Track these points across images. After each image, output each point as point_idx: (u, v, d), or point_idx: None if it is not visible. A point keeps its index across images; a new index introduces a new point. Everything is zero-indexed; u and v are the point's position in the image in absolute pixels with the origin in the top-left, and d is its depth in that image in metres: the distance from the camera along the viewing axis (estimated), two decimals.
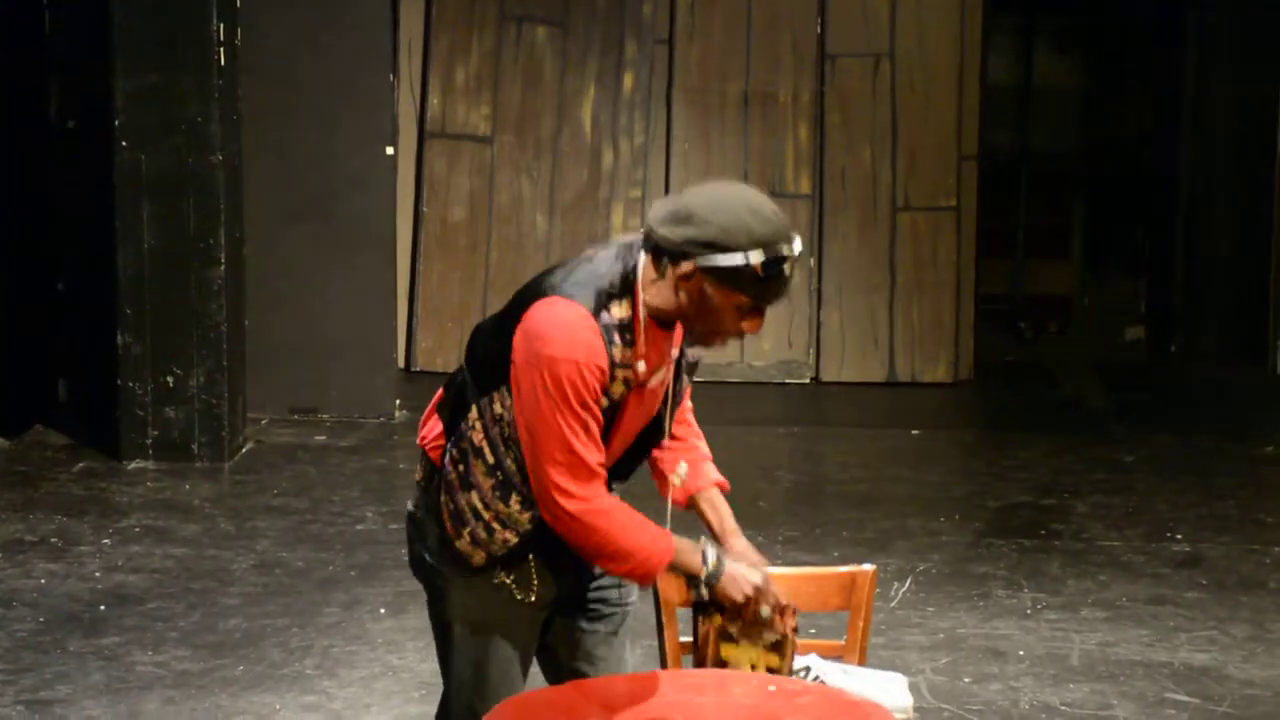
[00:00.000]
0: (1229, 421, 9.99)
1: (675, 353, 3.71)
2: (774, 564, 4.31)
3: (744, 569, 3.71)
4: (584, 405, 3.53)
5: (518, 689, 3.78)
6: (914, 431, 9.79)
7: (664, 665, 4.06)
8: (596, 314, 3.53)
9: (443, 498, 3.72)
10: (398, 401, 9.78)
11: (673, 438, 3.88)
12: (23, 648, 6.27)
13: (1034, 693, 5.94)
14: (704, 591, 3.69)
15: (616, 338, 3.55)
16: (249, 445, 9.14)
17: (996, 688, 5.98)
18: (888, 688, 4.20)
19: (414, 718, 5.67)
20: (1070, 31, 13.02)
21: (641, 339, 3.57)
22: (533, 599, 3.75)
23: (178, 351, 8.71)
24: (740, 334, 3.58)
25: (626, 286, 3.57)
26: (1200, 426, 9.82)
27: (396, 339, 10.21)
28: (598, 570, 3.84)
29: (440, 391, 3.81)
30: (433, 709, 5.51)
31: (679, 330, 3.67)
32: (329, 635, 6.43)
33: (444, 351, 10.73)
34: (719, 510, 3.90)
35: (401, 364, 10.69)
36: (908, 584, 7.05)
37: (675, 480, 3.88)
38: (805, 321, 10.94)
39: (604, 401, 3.58)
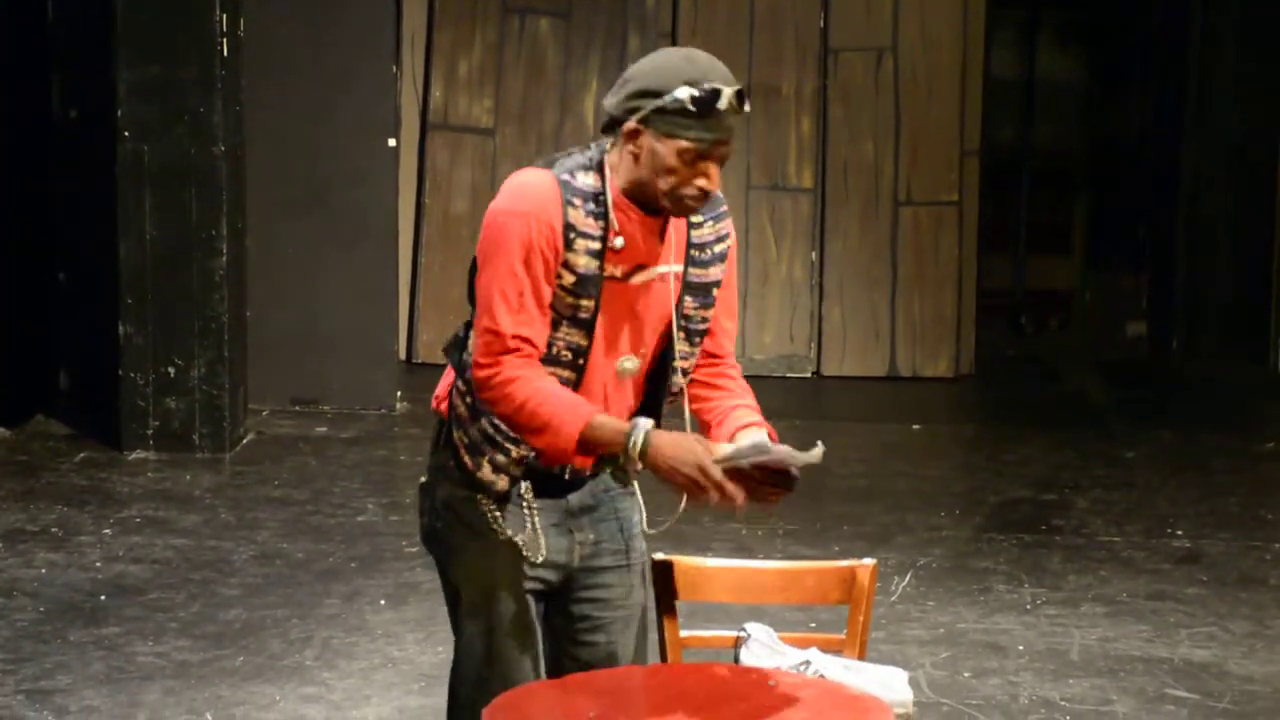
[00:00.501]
0: (1230, 418, 10.00)
1: (679, 268, 3.64)
2: (774, 558, 4.32)
3: (684, 449, 3.44)
4: (526, 265, 3.52)
5: (528, 659, 3.72)
6: (915, 426, 9.79)
7: (664, 659, 4.06)
8: (559, 175, 3.55)
9: (456, 435, 3.68)
10: (399, 393, 9.78)
11: (708, 385, 3.78)
12: (23, 637, 6.27)
13: (1034, 688, 5.95)
14: (631, 466, 3.49)
15: (578, 201, 3.53)
16: (250, 436, 9.15)
17: (996, 682, 5.99)
18: (889, 682, 4.20)
19: (414, 709, 5.67)
20: (1073, 27, 13.01)
21: (611, 211, 3.55)
22: (541, 558, 3.68)
23: (179, 342, 8.71)
24: (700, 192, 3.52)
25: (596, 164, 3.60)
26: (1201, 422, 9.83)
27: (398, 331, 10.21)
28: (604, 560, 3.78)
29: None
30: (432, 701, 5.53)
31: (678, 238, 3.63)
32: (329, 626, 6.43)
33: (445, 345, 10.72)
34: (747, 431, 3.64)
35: (403, 356, 10.69)
36: (908, 578, 7.06)
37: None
38: (806, 315, 10.95)
39: (568, 277, 3.54)
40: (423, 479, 3.83)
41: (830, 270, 10.98)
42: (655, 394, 3.73)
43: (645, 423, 3.50)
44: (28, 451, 8.89)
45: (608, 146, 3.60)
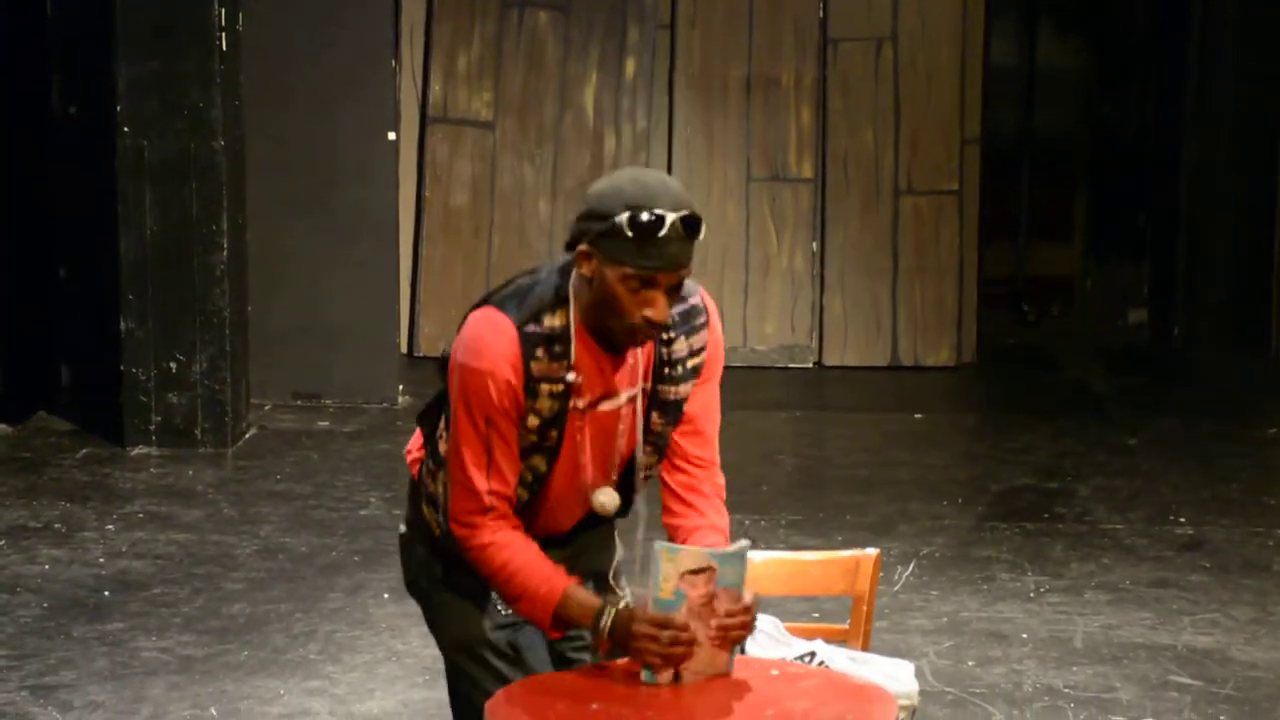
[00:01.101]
0: (1231, 404, 9.98)
1: (639, 388, 3.56)
2: (777, 548, 4.32)
3: (640, 622, 3.42)
4: (489, 421, 3.47)
5: None
6: (917, 415, 9.79)
7: None
8: (523, 324, 3.46)
9: (427, 511, 3.69)
10: (400, 387, 9.78)
11: (682, 499, 3.65)
12: (27, 633, 6.28)
13: (1037, 675, 5.95)
14: (601, 645, 3.50)
15: (541, 350, 3.46)
16: (252, 431, 9.15)
17: (1000, 671, 5.99)
18: (894, 674, 4.21)
19: (418, 702, 5.67)
20: (1073, 15, 12.99)
21: (573, 348, 3.47)
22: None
23: (181, 337, 8.71)
24: (647, 323, 3.41)
25: (561, 297, 3.49)
26: (1203, 409, 9.82)
27: (399, 324, 10.21)
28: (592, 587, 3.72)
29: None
30: (436, 694, 5.53)
31: (646, 355, 3.55)
32: (332, 620, 6.44)
33: (446, 337, 10.67)
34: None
35: (404, 349, 10.69)
36: (911, 568, 7.06)
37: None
38: (808, 306, 10.94)
39: (533, 421, 3.50)
40: (401, 530, 3.82)
41: (831, 260, 10.98)
42: (624, 504, 3.68)
43: (612, 613, 3.47)
44: (30, 448, 8.89)
45: (572, 270, 3.50)
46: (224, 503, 7.94)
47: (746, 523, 7.49)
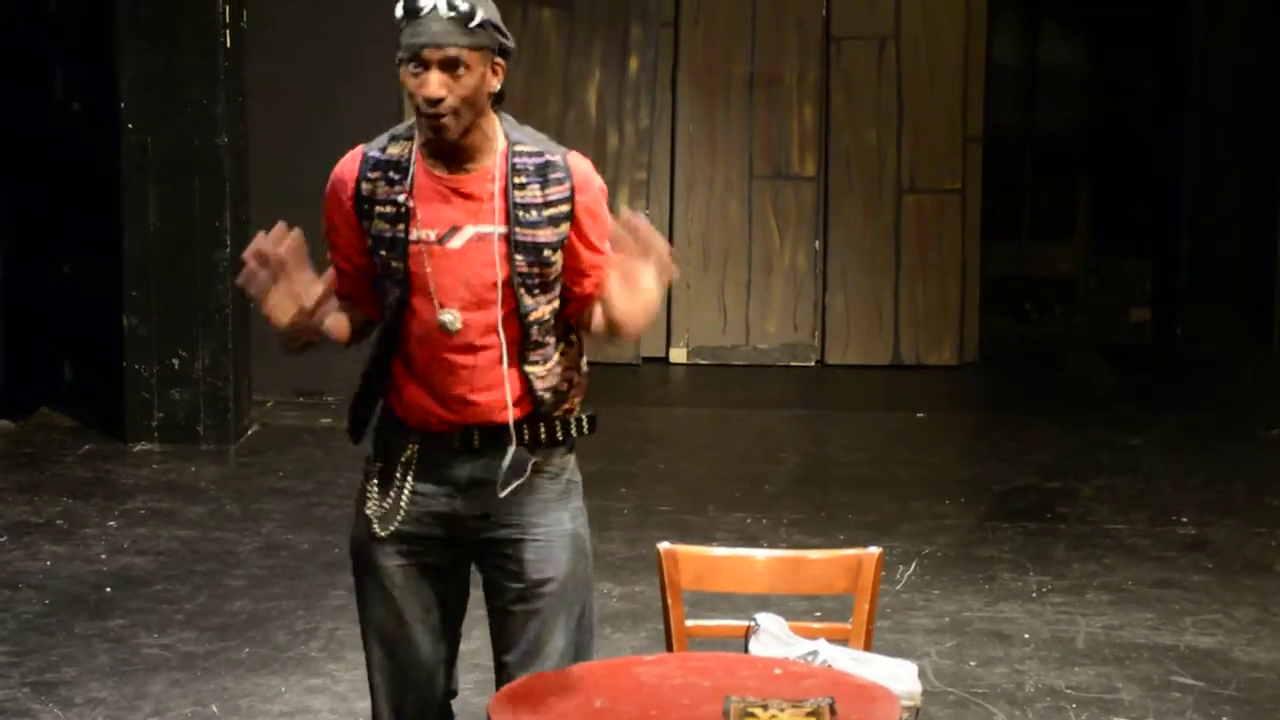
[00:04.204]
0: (1235, 403, 9.99)
1: (495, 231, 3.68)
2: (779, 547, 4.31)
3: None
4: (329, 231, 3.86)
5: (390, 634, 4.00)
6: (919, 414, 9.78)
7: (669, 648, 4.07)
8: (370, 149, 3.78)
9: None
10: None
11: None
12: (29, 630, 6.28)
13: (1039, 676, 5.95)
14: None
15: (375, 174, 3.73)
16: (254, 427, 9.15)
17: (1002, 671, 5.99)
18: (897, 674, 4.20)
19: None
20: (1075, 11, 12.99)
21: (412, 175, 3.69)
22: (390, 530, 3.96)
23: (183, 334, 8.71)
24: (426, 100, 3.58)
25: (410, 131, 3.76)
26: (1206, 408, 9.82)
27: None
28: (499, 533, 3.85)
29: None
30: None
31: (503, 199, 3.67)
32: (334, 618, 6.44)
33: None
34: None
35: None
36: (913, 567, 7.06)
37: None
38: (810, 304, 10.94)
39: (368, 243, 3.75)
40: None
41: (833, 259, 10.98)
42: (521, 353, 3.78)
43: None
44: (32, 444, 8.89)
45: None
46: (226, 499, 7.94)
47: (749, 521, 7.49)
